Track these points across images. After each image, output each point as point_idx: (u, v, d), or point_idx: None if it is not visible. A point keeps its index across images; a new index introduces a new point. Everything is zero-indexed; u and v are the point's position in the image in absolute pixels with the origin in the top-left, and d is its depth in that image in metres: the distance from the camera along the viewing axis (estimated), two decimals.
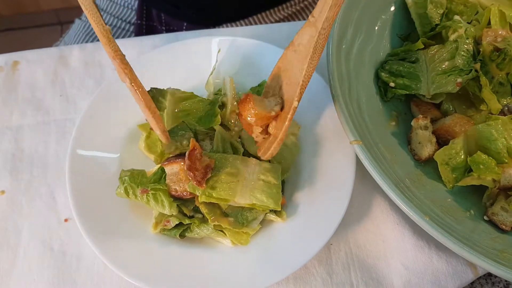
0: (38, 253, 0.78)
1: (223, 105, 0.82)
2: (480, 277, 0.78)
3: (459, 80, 0.78)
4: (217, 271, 0.71)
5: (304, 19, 1.25)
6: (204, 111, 0.79)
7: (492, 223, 0.73)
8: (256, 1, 1.20)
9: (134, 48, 1.00)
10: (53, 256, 0.78)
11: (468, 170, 0.76)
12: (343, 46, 0.79)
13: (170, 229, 0.74)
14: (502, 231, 0.72)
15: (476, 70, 0.78)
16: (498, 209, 0.73)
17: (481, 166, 0.73)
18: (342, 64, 0.77)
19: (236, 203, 0.70)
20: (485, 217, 0.74)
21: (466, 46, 0.79)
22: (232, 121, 0.78)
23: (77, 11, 1.38)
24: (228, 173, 0.71)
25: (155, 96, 0.76)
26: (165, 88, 0.79)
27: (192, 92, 0.81)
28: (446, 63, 0.80)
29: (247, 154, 0.78)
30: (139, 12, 1.24)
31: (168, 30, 1.26)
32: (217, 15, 1.20)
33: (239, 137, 0.79)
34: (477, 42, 0.82)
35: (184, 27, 1.23)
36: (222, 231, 0.72)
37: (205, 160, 0.68)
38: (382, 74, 0.83)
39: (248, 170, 0.72)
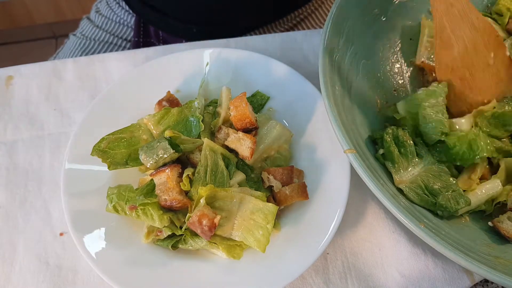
0: (33, 267, 0.78)
1: (216, 115, 0.82)
2: (477, 283, 0.78)
3: None
4: (212, 282, 0.71)
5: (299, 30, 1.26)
6: (181, 119, 0.81)
7: (488, 229, 0.74)
8: (258, 19, 1.20)
9: (129, 60, 1.00)
10: (49, 270, 0.78)
11: None
12: (335, 56, 0.79)
13: (163, 239, 0.74)
14: (500, 238, 0.72)
15: None
16: (504, 218, 0.73)
17: None
18: (334, 73, 0.78)
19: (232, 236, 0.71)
20: (489, 223, 0.74)
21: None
22: (223, 130, 0.78)
23: (72, 25, 1.39)
24: (221, 209, 0.71)
25: (134, 135, 0.79)
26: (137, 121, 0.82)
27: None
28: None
29: (241, 162, 0.79)
30: (136, 29, 1.24)
31: None
32: (223, 32, 1.21)
33: (227, 147, 0.78)
34: None
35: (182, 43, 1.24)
36: (216, 243, 0.72)
37: (212, 215, 0.68)
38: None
39: (241, 208, 0.71)
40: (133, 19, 1.26)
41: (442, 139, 0.75)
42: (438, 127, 0.75)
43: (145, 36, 1.26)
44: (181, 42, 1.23)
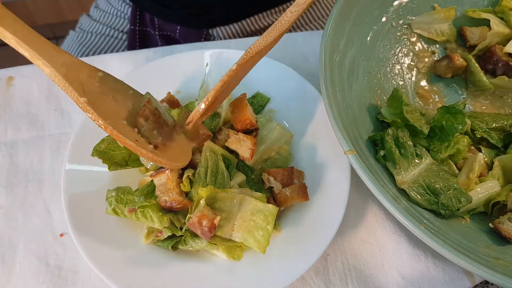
0: (33, 268, 0.78)
1: (216, 116, 0.82)
2: (477, 284, 0.78)
3: None
4: (212, 283, 0.70)
5: (298, 25, 1.26)
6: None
7: (488, 231, 0.74)
8: (247, 3, 1.21)
9: (129, 61, 1.01)
10: (49, 271, 0.78)
11: None
12: (336, 57, 0.80)
13: (163, 240, 0.74)
14: (500, 239, 0.73)
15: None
16: (505, 219, 0.73)
17: None
18: (335, 74, 0.78)
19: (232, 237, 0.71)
20: (490, 225, 0.74)
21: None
22: (223, 131, 0.78)
23: (72, 26, 1.39)
24: (221, 210, 0.71)
25: None
26: None
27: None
28: None
29: (241, 163, 0.79)
30: (132, 18, 1.25)
31: (162, 36, 1.27)
32: (209, 16, 1.21)
33: (227, 148, 0.78)
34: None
35: (177, 31, 1.24)
36: (216, 244, 0.72)
37: (212, 216, 0.68)
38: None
39: (241, 209, 0.71)
40: (130, 10, 1.28)
41: (432, 124, 0.78)
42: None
43: (140, 24, 1.27)
44: (176, 28, 1.24)
